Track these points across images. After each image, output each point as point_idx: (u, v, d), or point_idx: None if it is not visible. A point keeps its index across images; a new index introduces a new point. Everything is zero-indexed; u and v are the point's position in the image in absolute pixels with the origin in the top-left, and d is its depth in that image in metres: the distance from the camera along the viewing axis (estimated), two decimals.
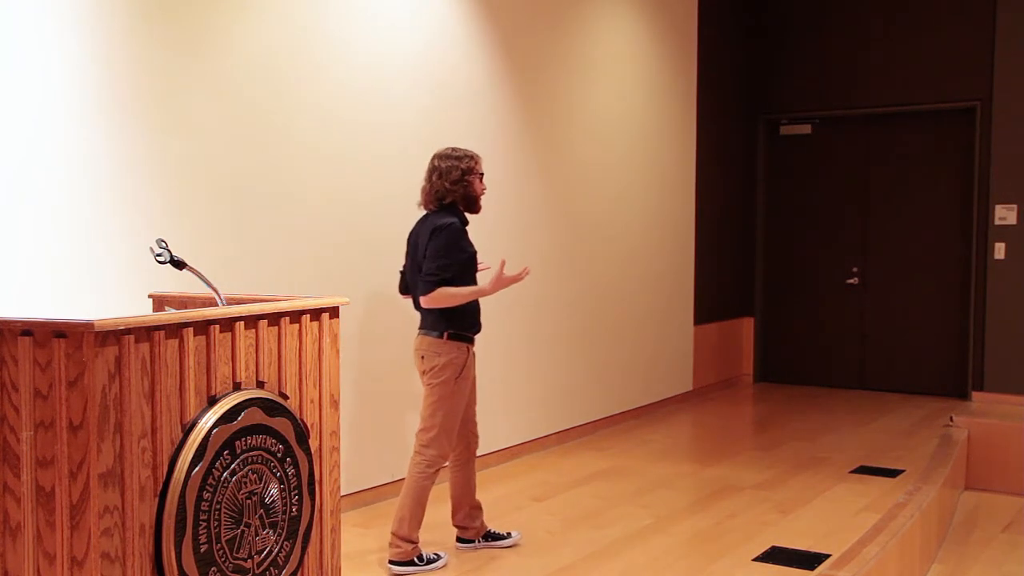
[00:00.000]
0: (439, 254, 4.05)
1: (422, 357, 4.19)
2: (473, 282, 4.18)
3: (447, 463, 4.29)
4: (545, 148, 6.42)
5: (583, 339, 6.83)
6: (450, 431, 4.18)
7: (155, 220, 4.00)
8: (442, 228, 4.09)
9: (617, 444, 6.57)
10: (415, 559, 4.17)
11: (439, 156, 4.23)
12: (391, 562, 4.16)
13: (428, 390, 4.17)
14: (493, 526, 4.57)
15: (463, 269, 4.12)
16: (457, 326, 4.15)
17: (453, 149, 4.26)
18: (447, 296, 4.05)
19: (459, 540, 4.44)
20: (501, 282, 4.11)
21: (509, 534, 4.49)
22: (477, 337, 4.30)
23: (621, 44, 7.21)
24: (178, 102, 4.10)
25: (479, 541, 4.43)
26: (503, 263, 4.13)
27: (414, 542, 4.16)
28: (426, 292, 4.05)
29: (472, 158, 4.23)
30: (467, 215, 4.26)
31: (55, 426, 2.29)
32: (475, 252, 4.21)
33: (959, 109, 8.09)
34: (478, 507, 4.44)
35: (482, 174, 4.27)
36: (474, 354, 4.26)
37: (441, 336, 4.14)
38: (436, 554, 4.26)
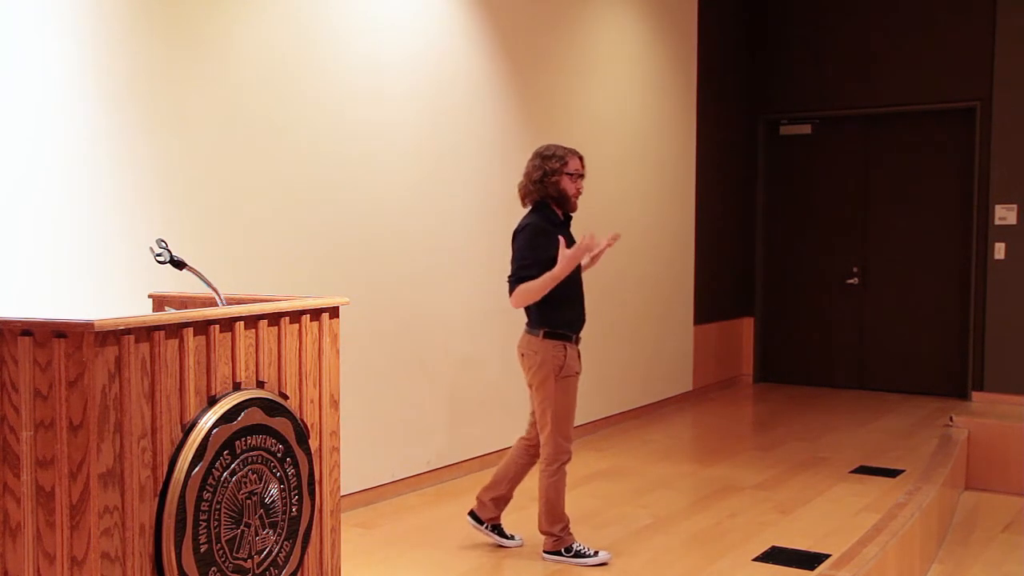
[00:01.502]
0: (520, 256, 4.17)
1: (522, 355, 4.27)
2: (564, 282, 4.15)
3: (569, 456, 4.28)
4: None
5: (582, 339, 6.82)
6: (563, 429, 4.22)
7: (155, 220, 4.00)
8: (520, 230, 4.22)
9: (617, 444, 6.57)
10: (562, 550, 4.27)
11: (533, 154, 4.29)
12: (544, 551, 4.32)
13: (533, 390, 4.25)
14: (504, 523, 4.55)
15: (546, 268, 4.12)
16: (553, 324, 4.20)
17: (547, 147, 4.28)
18: (524, 292, 4.13)
19: (471, 513, 4.44)
20: (567, 259, 4.09)
21: (513, 536, 4.47)
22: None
23: (621, 44, 7.21)
24: (178, 102, 4.10)
25: (487, 526, 4.41)
26: (563, 242, 4.13)
27: (556, 534, 4.27)
28: (510, 292, 4.17)
29: (561, 159, 4.22)
30: (567, 212, 4.31)
31: (55, 426, 2.29)
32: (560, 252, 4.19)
33: (959, 109, 8.09)
34: (507, 498, 4.42)
35: (573, 173, 4.24)
36: (578, 352, 4.29)
37: (538, 334, 4.20)
38: (590, 549, 4.28)
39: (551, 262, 4.11)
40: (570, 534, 4.30)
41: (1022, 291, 7.76)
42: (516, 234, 4.22)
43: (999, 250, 7.86)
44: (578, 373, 4.29)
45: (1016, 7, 7.70)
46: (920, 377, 8.42)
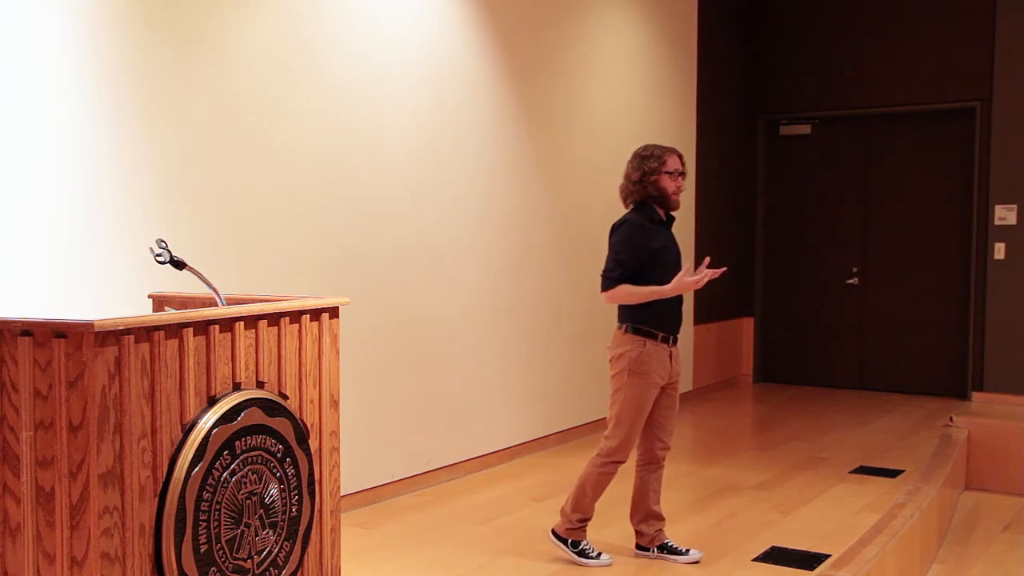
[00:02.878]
0: (615, 251, 4.16)
1: (608, 348, 4.26)
2: (662, 278, 4.12)
3: (622, 459, 4.23)
4: (545, 148, 6.42)
5: (583, 339, 6.83)
6: (626, 427, 4.18)
7: (155, 220, 4.00)
8: (618, 226, 4.21)
9: None
10: (569, 541, 4.26)
11: (632, 155, 4.27)
12: (552, 531, 4.33)
13: (611, 383, 4.23)
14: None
15: (644, 265, 4.12)
16: (638, 320, 4.16)
17: (645, 148, 4.26)
18: (626, 294, 4.12)
19: (637, 547, 4.37)
20: (682, 284, 4.07)
21: (688, 551, 4.31)
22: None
23: (621, 44, 7.21)
24: (179, 102, 4.10)
25: (654, 551, 4.32)
26: (687, 267, 4.11)
27: (571, 520, 4.25)
28: (604, 288, 4.16)
29: (658, 158, 4.18)
30: (668, 211, 4.27)
31: (55, 426, 2.29)
32: (662, 247, 4.16)
33: (959, 109, 8.09)
34: (656, 516, 4.33)
35: (673, 172, 4.18)
36: (671, 354, 4.20)
37: (622, 329, 4.19)
38: (594, 551, 4.25)
39: (652, 255, 4.12)
40: (583, 531, 4.28)
41: (1022, 291, 7.76)
42: (614, 229, 4.22)
43: (999, 250, 7.85)
44: (662, 378, 4.18)
45: (1016, 7, 7.70)
46: (920, 377, 8.42)
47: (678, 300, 4.24)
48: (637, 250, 4.12)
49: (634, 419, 4.17)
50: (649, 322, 4.15)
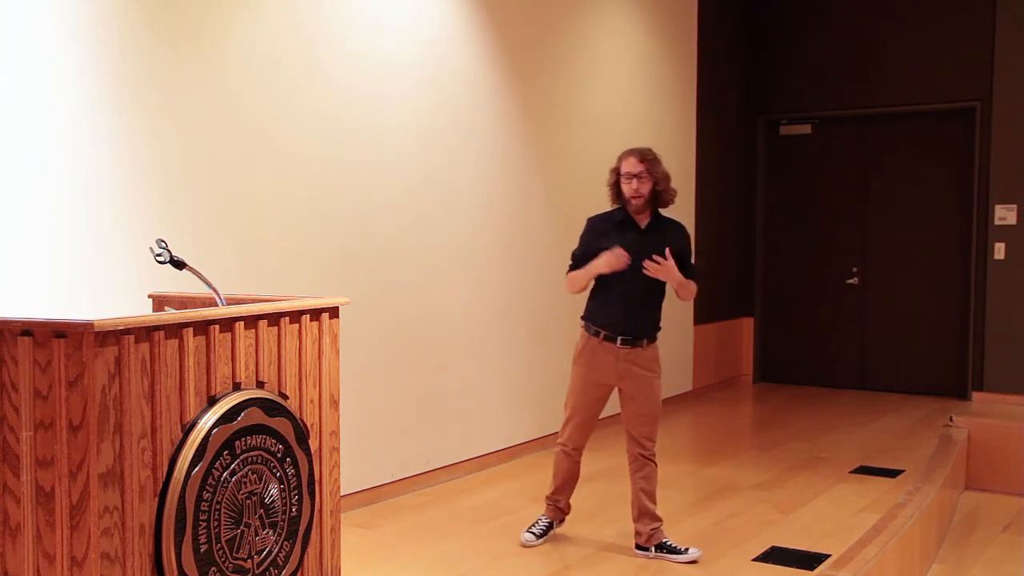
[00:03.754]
0: (578, 244, 4.38)
1: None
2: (616, 278, 4.19)
3: (565, 445, 4.46)
4: (545, 148, 6.42)
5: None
6: (567, 412, 4.43)
7: (155, 220, 4.00)
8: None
9: (617, 444, 6.54)
10: (539, 516, 4.56)
11: None
12: None
13: None
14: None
15: (591, 258, 4.24)
16: (585, 315, 4.37)
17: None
18: (570, 279, 4.34)
19: (636, 546, 4.38)
20: (604, 260, 4.16)
21: (687, 550, 4.30)
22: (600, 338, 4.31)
23: (621, 44, 7.21)
24: (179, 103, 4.10)
25: (653, 550, 4.33)
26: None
27: (546, 499, 4.55)
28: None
29: (617, 162, 4.27)
30: (656, 211, 4.34)
31: (55, 426, 2.29)
32: (610, 248, 4.16)
33: (959, 109, 8.09)
34: (650, 515, 4.34)
35: (625, 174, 4.18)
36: (618, 355, 4.23)
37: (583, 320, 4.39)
38: (538, 527, 4.48)
39: (597, 254, 4.21)
40: (548, 507, 4.52)
41: (1022, 291, 7.76)
42: None
43: (999, 250, 7.86)
44: (604, 376, 4.28)
45: (1016, 7, 7.71)
46: (920, 377, 8.42)
47: (636, 303, 4.23)
48: (584, 246, 4.31)
49: (572, 407, 4.39)
50: (590, 318, 4.34)
